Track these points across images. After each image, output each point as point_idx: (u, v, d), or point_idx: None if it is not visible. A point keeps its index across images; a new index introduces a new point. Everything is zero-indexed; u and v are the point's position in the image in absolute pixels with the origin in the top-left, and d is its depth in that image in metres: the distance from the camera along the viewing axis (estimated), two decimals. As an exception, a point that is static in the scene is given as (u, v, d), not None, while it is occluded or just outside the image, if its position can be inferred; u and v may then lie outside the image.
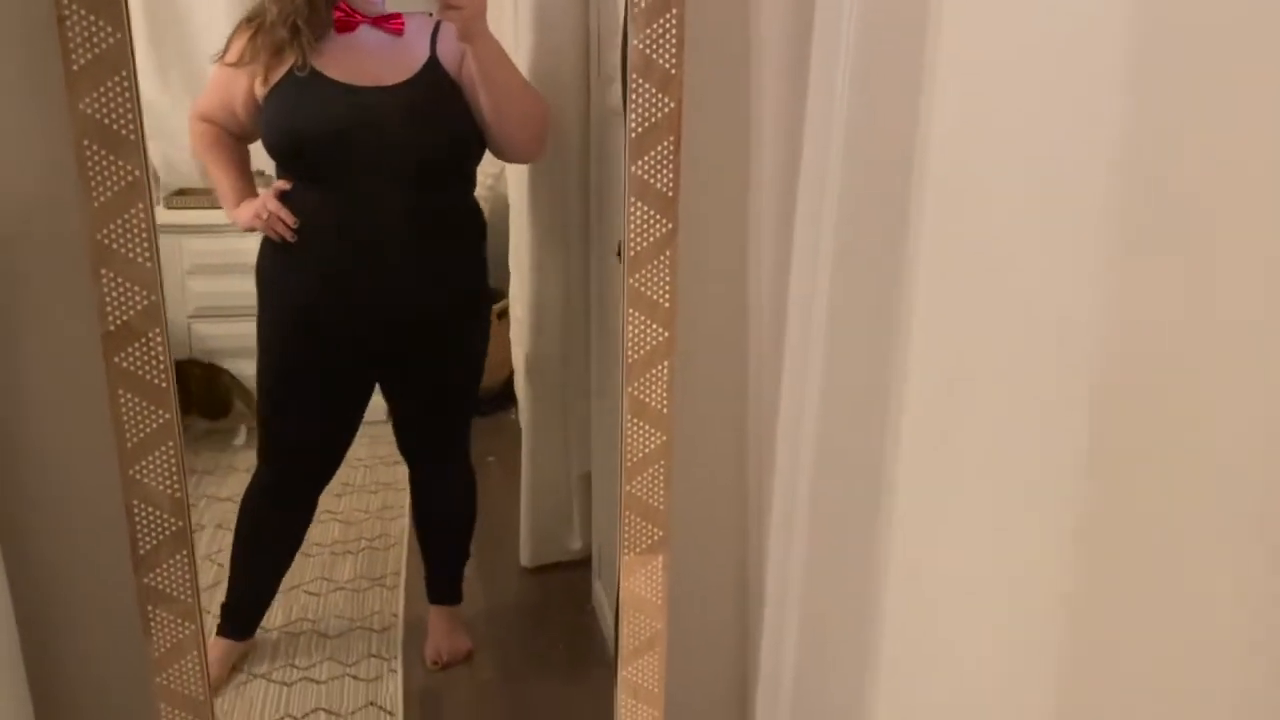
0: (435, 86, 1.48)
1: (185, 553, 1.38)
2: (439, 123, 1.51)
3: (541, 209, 1.68)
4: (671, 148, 1.37)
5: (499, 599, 1.85)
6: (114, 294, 1.27)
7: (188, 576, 1.39)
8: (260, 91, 1.48)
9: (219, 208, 1.59)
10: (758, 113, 1.43)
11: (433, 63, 1.48)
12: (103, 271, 1.26)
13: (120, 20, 1.18)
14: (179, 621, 1.40)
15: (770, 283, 1.48)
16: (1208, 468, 0.81)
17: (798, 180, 1.43)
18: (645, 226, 1.39)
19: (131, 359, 1.29)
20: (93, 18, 1.17)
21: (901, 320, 1.21)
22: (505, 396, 1.81)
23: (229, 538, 1.69)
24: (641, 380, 1.44)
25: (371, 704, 1.68)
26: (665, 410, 1.45)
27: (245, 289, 1.60)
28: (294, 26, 1.45)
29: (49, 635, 1.49)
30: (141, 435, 1.32)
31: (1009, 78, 0.97)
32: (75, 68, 1.18)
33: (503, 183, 1.73)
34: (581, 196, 1.69)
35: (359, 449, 1.69)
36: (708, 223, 1.46)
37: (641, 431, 1.46)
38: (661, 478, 1.47)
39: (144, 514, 1.36)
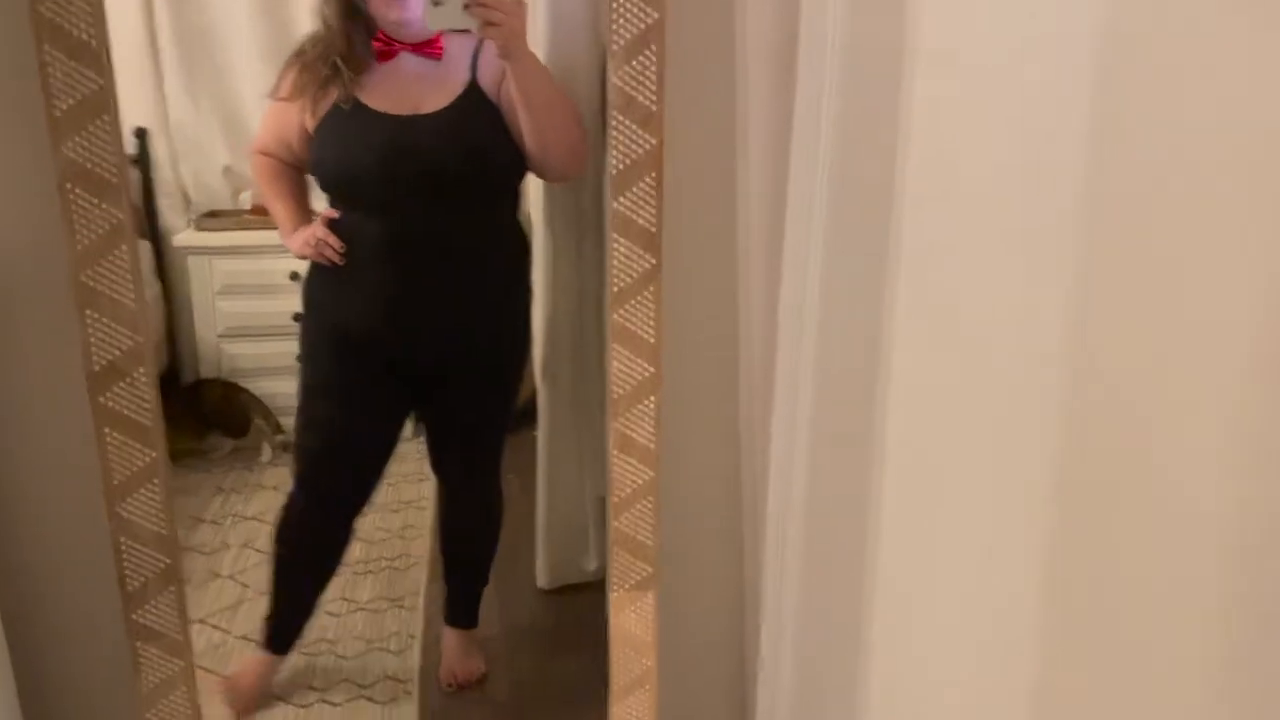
0: (475, 110, 1.49)
1: (174, 589, 1.38)
2: (480, 146, 1.52)
3: (556, 225, 1.68)
4: (653, 184, 1.37)
5: (515, 620, 1.85)
6: (99, 334, 1.28)
7: (176, 613, 1.38)
8: (310, 124, 1.51)
9: (249, 229, 1.62)
10: (742, 147, 1.43)
11: (472, 86, 1.50)
12: (88, 313, 1.27)
13: (102, 66, 1.19)
14: (168, 657, 1.40)
15: (759, 314, 1.47)
16: (1180, 482, 0.81)
17: (784, 213, 1.43)
18: (628, 262, 1.39)
19: (117, 398, 1.30)
20: (74, 64, 1.18)
21: (890, 350, 1.20)
22: (531, 413, 1.80)
23: (254, 557, 1.69)
24: (628, 416, 1.43)
25: (387, 727, 1.67)
26: (652, 446, 1.44)
27: (275, 309, 1.62)
28: (335, 61, 1.48)
29: (40, 670, 1.49)
30: (128, 473, 1.33)
31: (990, 95, 0.97)
32: (57, 113, 1.19)
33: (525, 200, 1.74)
34: (595, 213, 1.69)
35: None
36: (693, 257, 1.46)
37: (629, 467, 1.45)
38: (650, 514, 1.46)
39: (132, 551, 1.36)
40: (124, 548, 1.35)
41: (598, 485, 1.79)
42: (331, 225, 1.53)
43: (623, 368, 1.42)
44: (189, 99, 1.59)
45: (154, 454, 1.32)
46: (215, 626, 1.68)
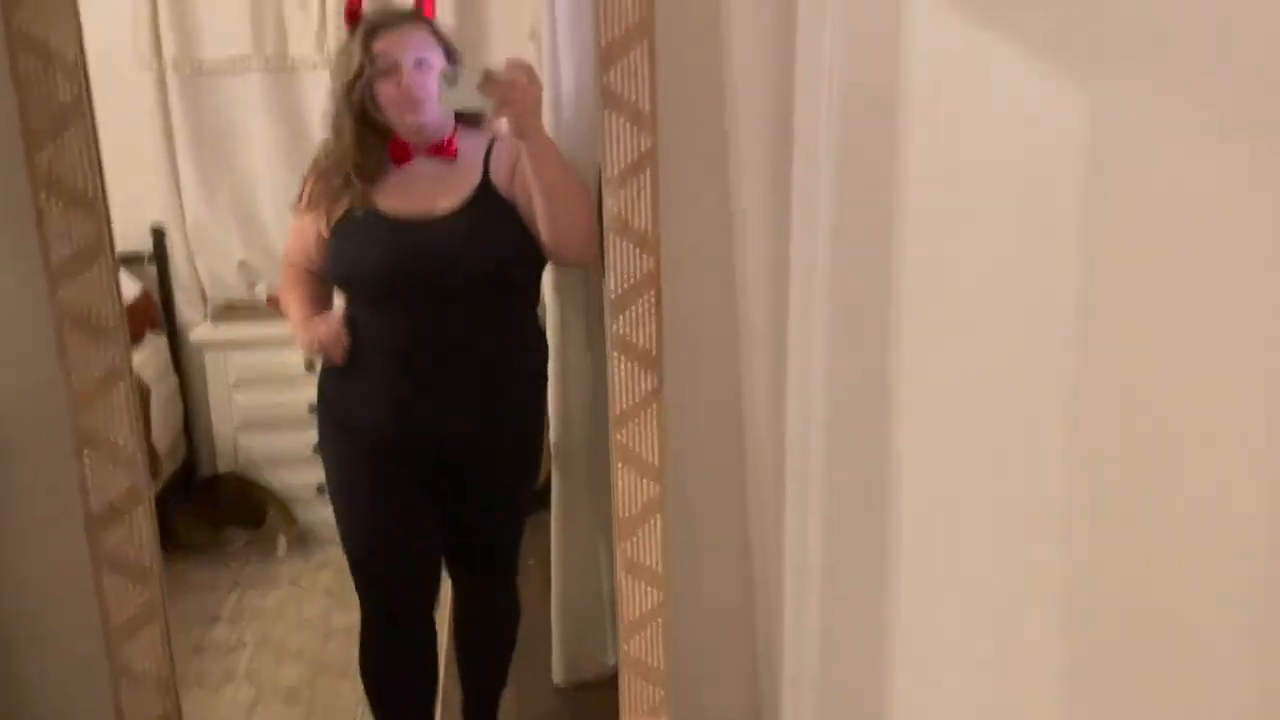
0: (488, 208, 1.49)
1: (174, 726, 1.35)
2: (493, 245, 1.51)
3: (567, 310, 1.66)
4: (652, 302, 1.36)
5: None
6: (97, 476, 1.27)
7: (177, 753, 1.36)
8: (324, 230, 1.51)
9: (264, 321, 1.62)
10: (741, 264, 1.42)
11: (485, 184, 1.49)
12: (86, 453, 1.26)
13: (98, 214, 1.20)
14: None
15: (766, 430, 1.45)
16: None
17: (786, 326, 1.42)
18: (630, 383, 1.38)
19: (115, 539, 1.28)
20: (71, 212, 1.19)
21: (898, 463, 1.19)
22: (545, 494, 1.76)
23: (269, 656, 1.64)
24: (634, 537, 1.40)
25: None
26: (660, 569, 1.41)
27: (291, 400, 1.60)
28: (347, 178, 1.48)
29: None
30: (127, 615, 1.31)
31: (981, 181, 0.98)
32: (54, 260, 1.19)
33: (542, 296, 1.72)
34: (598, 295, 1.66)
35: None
36: (695, 376, 1.44)
37: (637, 590, 1.42)
38: (660, 636, 1.43)
39: (132, 694, 1.33)
40: (124, 689, 1.33)
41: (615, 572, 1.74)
42: (348, 325, 1.52)
43: (627, 488, 1.40)
44: (205, 197, 1.60)
45: (153, 595, 1.30)
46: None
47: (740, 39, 1.34)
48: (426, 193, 1.49)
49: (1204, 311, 0.86)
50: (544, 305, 1.64)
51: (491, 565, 1.70)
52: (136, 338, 1.49)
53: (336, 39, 1.48)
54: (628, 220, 1.33)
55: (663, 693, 1.45)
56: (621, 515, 1.40)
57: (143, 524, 1.28)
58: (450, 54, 1.47)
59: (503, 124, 1.42)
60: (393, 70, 1.43)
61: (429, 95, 1.44)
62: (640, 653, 1.43)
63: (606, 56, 1.28)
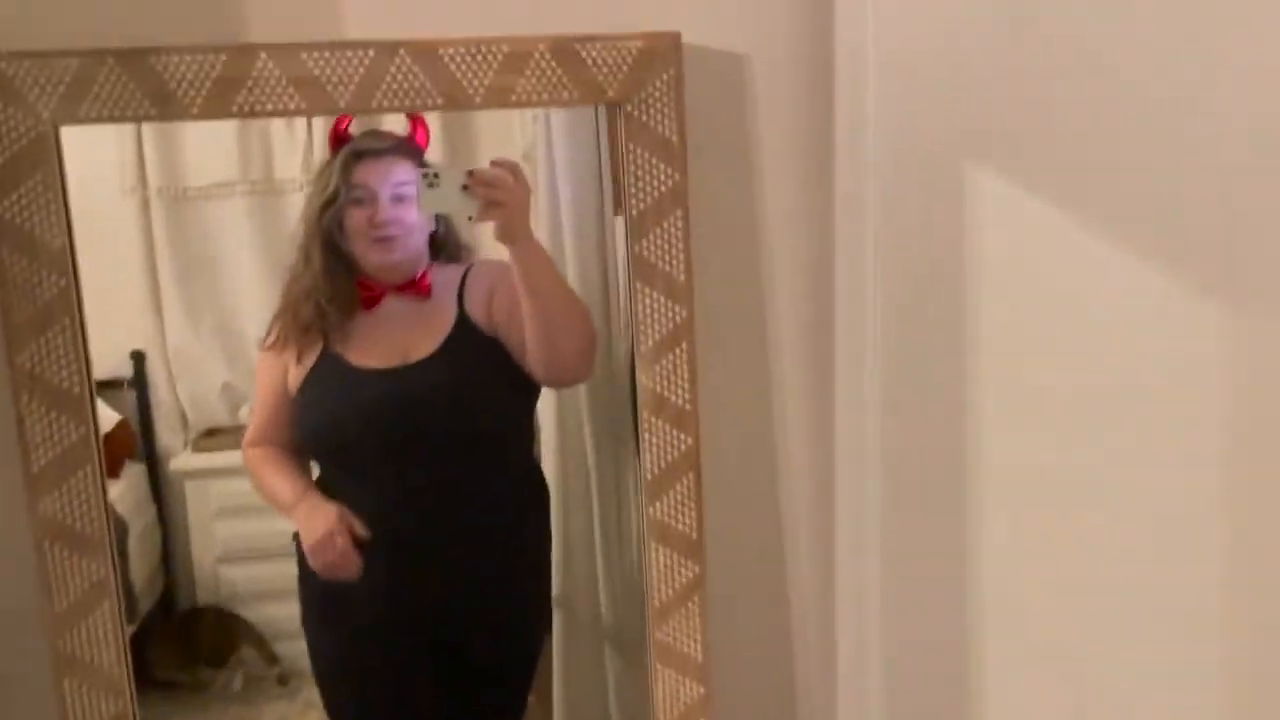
0: (468, 348, 1.36)
1: None
2: (479, 390, 1.38)
3: (568, 439, 1.54)
4: (691, 485, 1.25)
5: None
6: (78, 704, 1.12)
7: None
8: (293, 385, 1.38)
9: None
10: (782, 439, 1.32)
11: (462, 321, 1.36)
12: (66, 681, 1.12)
13: (84, 416, 1.09)
14: None
15: (814, 624, 1.33)
16: None
17: (833, 511, 1.31)
18: (668, 573, 1.26)
19: (99, 775, 1.14)
20: (54, 414, 1.08)
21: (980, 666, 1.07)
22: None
23: None
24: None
25: None
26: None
27: (275, 530, 1.46)
28: (318, 308, 1.36)
29: None
30: None
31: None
32: (35, 469, 1.07)
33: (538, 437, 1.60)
34: (612, 452, 1.54)
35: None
36: (738, 562, 1.33)
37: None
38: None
39: None
40: None
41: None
42: (324, 491, 1.38)
43: (667, 692, 1.26)
44: (188, 320, 1.49)
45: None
46: None
47: (776, 205, 1.26)
48: (399, 338, 1.36)
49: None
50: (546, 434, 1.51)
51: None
52: (114, 469, 1.38)
53: (322, 159, 1.38)
54: (664, 397, 1.23)
55: None
56: (659, 718, 1.27)
57: (130, 757, 1.14)
58: None
59: (477, 248, 1.33)
60: (368, 200, 1.32)
61: (405, 231, 1.33)
62: None
63: (638, 227, 1.20)
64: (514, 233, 1.26)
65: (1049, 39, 0.89)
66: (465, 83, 1.13)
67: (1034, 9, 0.91)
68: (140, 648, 1.27)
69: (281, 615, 1.54)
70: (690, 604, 1.26)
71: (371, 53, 1.11)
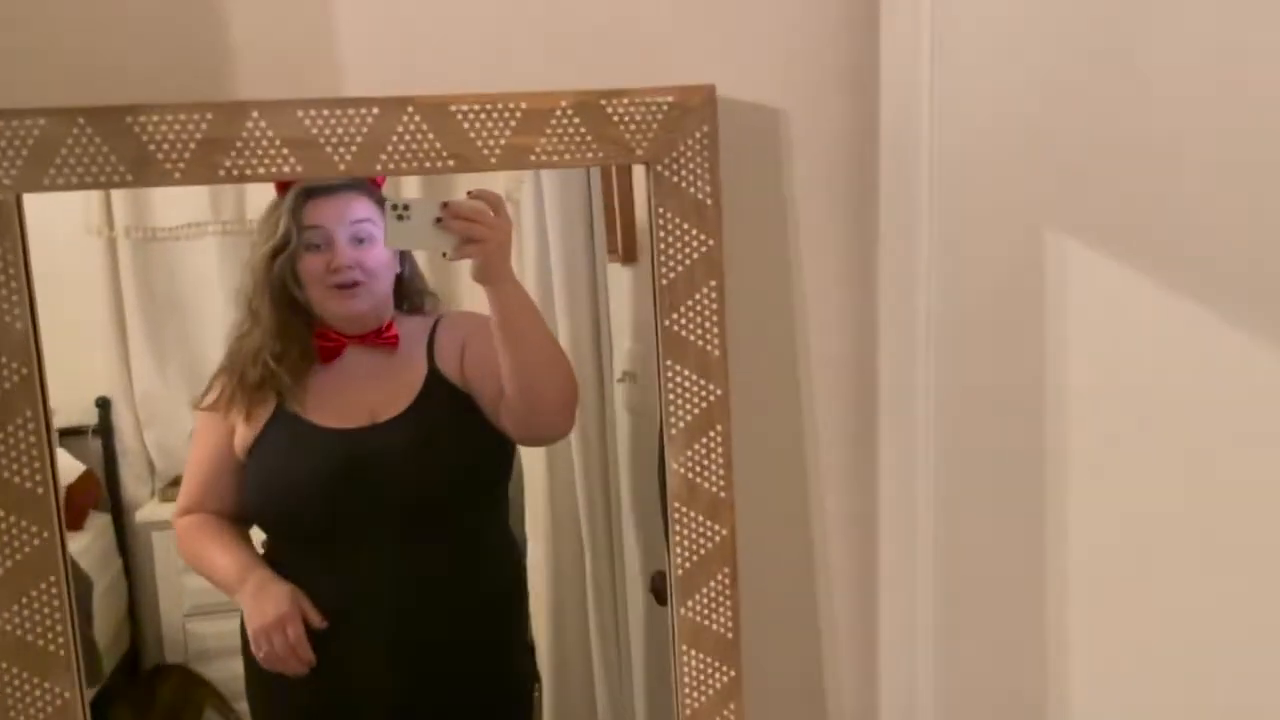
0: (441, 406, 1.24)
1: None
2: (453, 451, 1.25)
3: (562, 529, 1.42)
4: (726, 583, 1.13)
5: None
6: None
7: None
8: (241, 447, 1.24)
9: None
10: (820, 532, 1.20)
11: (433, 377, 1.24)
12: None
13: (50, 518, 0.96)
14: None
15: None
16: None
17: (878, 606, 1.20)
18: (702, 678, 1.14)
19: None
20: (14, 519, 0.95)
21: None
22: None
23: None
24: None
25: None
26: None
27: None
28: (266, 369, 1.23)
29: None
30: None
31: None
32: (-9, 579, 0.95)
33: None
34: (604, 509, 1.43)
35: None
36: (776, 664, 1.21)
37: None
38: None
39: None
40: None
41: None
42: (279, 570, 1.25)
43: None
44: (156, 365, 1.41)
45: None
46: None
47: (815, 274, 1.16)
48: (365, 395, 1.24)
49: None
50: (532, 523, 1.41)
51: None
52: (78, 521, 1.30)
53: (269, 201, 1.26)
54: (696, 484, 1.11)
55: None
56: None
57: None
58: None
59: (444, 297, 1.23)
60: (324, 244, 1.20)
61: (368, 276, 1.21)
62: None
63: (669, 298, 1.08)
64: (494, 273, 1.15)
65: (1125, 93, 0.79)
66: (480, 142, 1.02)
67: (1110, 63, 0.81)
68: (103, 711, 1.18)
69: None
70: (726, 712, 1.14)
71: (376, 110, 1.00)
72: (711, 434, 1.11)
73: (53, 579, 0.97)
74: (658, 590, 1.25)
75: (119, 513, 1.43)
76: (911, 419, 1.13)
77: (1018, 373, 0.97)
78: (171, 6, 1.01)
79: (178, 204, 1.38)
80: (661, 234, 1.07)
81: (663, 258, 1.08)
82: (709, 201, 1.07)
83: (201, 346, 1.42)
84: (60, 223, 1.29)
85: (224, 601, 1.37)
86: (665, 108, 1.04)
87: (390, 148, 1.01)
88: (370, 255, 1.21)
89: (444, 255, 1.13)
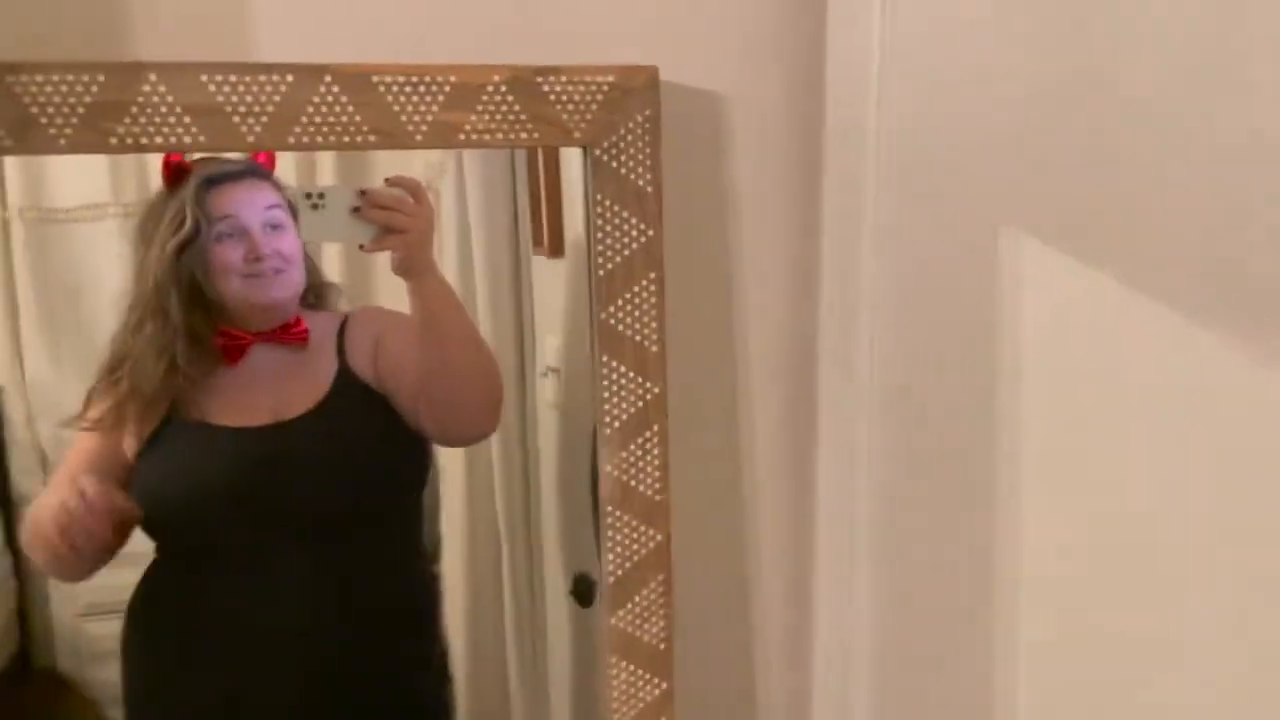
0: (353, 406, 1.16)
1: None
2: (364, 455, 1.17)
3: (478, 530, 1.35)
4: (661, 590, 1.07)
5: None
6: None
7: None
8: (131, 450, 1.14)
9: None
10: (755, 531, 1.16)
11: (343, 374, 1.16)
12: None
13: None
14: None
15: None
16: None
17: (812, 615, 1.16)
18: (631, 691, 1.09)
19: None
20: None
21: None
22: None
23: None
24: None
25: None
26: None
27: None
28: (169, 373, 1.12)
29: None
30: None
31: None
32: None
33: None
34: (523, 505, 1.37)
35: None
36: (708, 680, 1.16)
37: None
38: None
39: None
40: None
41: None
42: (164, 584, 1.16)
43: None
44: (49, 357, 1.30)
45: None
46: None
47: (757, 268, 1.11)
48: (270, 395, 1.15)
49: None
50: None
51: None
52: None
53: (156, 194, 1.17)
54: (630, 487, 1.06)
55: None
56: None
57: None
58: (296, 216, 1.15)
59: (344, 292, 1.15)
60: (238, 233, 1.10)
61: (286, 264, 1.12)
62: None
63: (605, 290, 1.02)
64: (415, 265, 1.07)
65: (1083, 77, 0.76)
66: (404, 117, 0.94)
67: (1067, 48, 0.78)
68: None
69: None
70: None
71: (290, 78, 0.91)
72: (648, 434, 1.05)
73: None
74: (579, 593, 1.20)
75: (8, 507, 1.31)
76: (853, 420, 1.09)
77: (965, 372, 0.93)
78: (59, -45, 0.91)
79: (76, 184, 1.27)
80: (599, 222, 1.01)
81: (600, 247, 1.02)
82: (649, 189, 1.01)
83: (98, 334, 1.33)
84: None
85: (121, 601, 1.28)
86: (605, 88, 0.98)
87: (305, 120, 0.92)
88: (286, 242, 1.12)
89: (361, 247, 1.05)
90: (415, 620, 1.27)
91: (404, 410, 1.15)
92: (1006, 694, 0.92)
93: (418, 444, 1.17)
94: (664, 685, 1.09)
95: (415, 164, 1.26)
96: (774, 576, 1.16)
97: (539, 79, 0.96)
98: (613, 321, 1.03)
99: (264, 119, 0.92)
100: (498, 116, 0.96)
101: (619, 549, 1.07)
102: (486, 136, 0.97)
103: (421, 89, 0.94)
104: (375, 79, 0.93)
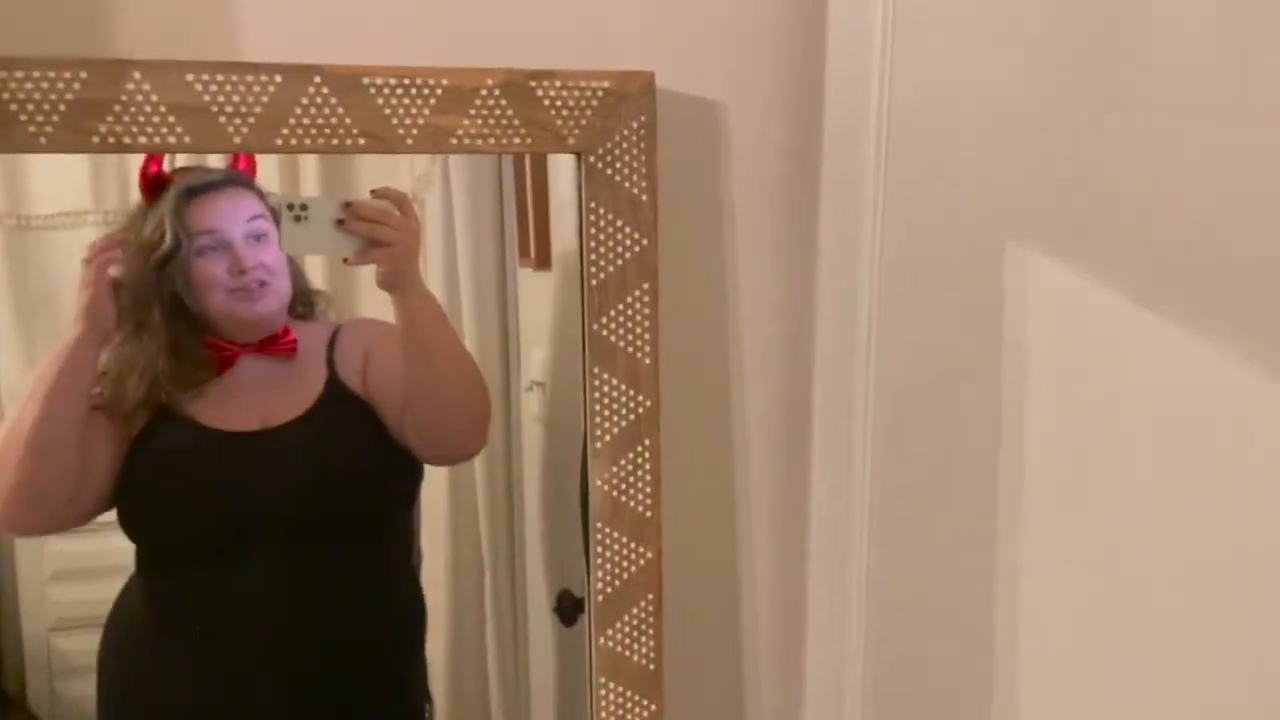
0: (341, 417, 1.14)
1: None
2: (351, 464, 1.15)
3: (460, 544, 1.33)
4: (650, 610, 1.05)
5: None
6: None
7: None
8: (113, 455, 1.11)
9: None
10: (747, 549, 1.13)
11: (332, 384, 1.14)
12: None
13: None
14: None
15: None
16: None
17: (805, 625, 1.13)
18: (620, 713, 1.06)
19: None
20: None
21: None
22: None
23: None
24: None
25: None
26: None
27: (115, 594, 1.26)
28: (152, 389, 1.10)
29: None
30: None
31: None
32: None
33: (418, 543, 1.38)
34: (506, 520, 1.34)
35: None
36: (698, 702, 1.13)
37: None
38: None
39: None
40: None
41: None
42: (152, 596, 1.14)
43: None
44: (25, 362, 1.27)
45: None
46: None
47: (752, 279, 1.09)
48: (259, 401, 1.13)
49: None
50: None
51: None
52: None
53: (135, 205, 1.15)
54: (620, 503, 1.03)
55: None
56: None
57: None
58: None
59: (332, 303, 1.14)
60: (220, 247, 1.08)
61: (271, 276, 1.10)
62: None
63: (598, 301, 1.00)
64: (400, 279, 1.05)
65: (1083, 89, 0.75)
66: (395, 120, 0.92)
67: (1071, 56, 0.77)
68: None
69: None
70: (647, 745, 1.06)
71: (278, 79, 0.89)
72: (639, 449, 1.03)
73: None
74: (562, 610, 1.17)
75: None
76: (849, 436, 1.07)
77: (968, 382, 0.91)
78: (43, -51, 0.89)
79: (55, 191, 1.26)
80: (592, 230, 0.99)
81: (593, 256, 1.00)
82: (644, 197, 0.99)
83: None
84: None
85: (95, 615, 1.27)
86: (600, 94, 0.96)
87: (294, 121, 0.90)
88: (269, 253, 1.10)
89: (345, 260, 1.03)
90: (396, 635, 1.24)
91: (391, 425, 1.13)
92: (1005, 714, 0.89)
93: (406, 457, 1.15)
94: (653, 707, 1.07)
95: (401, 174, 1.24)
96: (766, 595, 1.14)
97: (533, 83, 0.95)
98: (605, 333, 1.01)
99: (251, 120, 0.89)
100: (490, 121, 0.94)
101: (608, 566, 1.04)
102: (479, 141, 0.95)
103: (413, 91, 0.92)
104: (366, 81, 0.91)
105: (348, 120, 0.91)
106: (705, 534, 1.11)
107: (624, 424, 1.03)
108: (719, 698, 1.14)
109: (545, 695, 1.36)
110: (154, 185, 1.08)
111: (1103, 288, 0.76)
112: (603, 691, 1.06)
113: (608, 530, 1.04)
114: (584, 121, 0.96)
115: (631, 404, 1.02)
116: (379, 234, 1.01)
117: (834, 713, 1.11)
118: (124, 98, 0.87)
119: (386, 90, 0.92)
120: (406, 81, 0.92)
